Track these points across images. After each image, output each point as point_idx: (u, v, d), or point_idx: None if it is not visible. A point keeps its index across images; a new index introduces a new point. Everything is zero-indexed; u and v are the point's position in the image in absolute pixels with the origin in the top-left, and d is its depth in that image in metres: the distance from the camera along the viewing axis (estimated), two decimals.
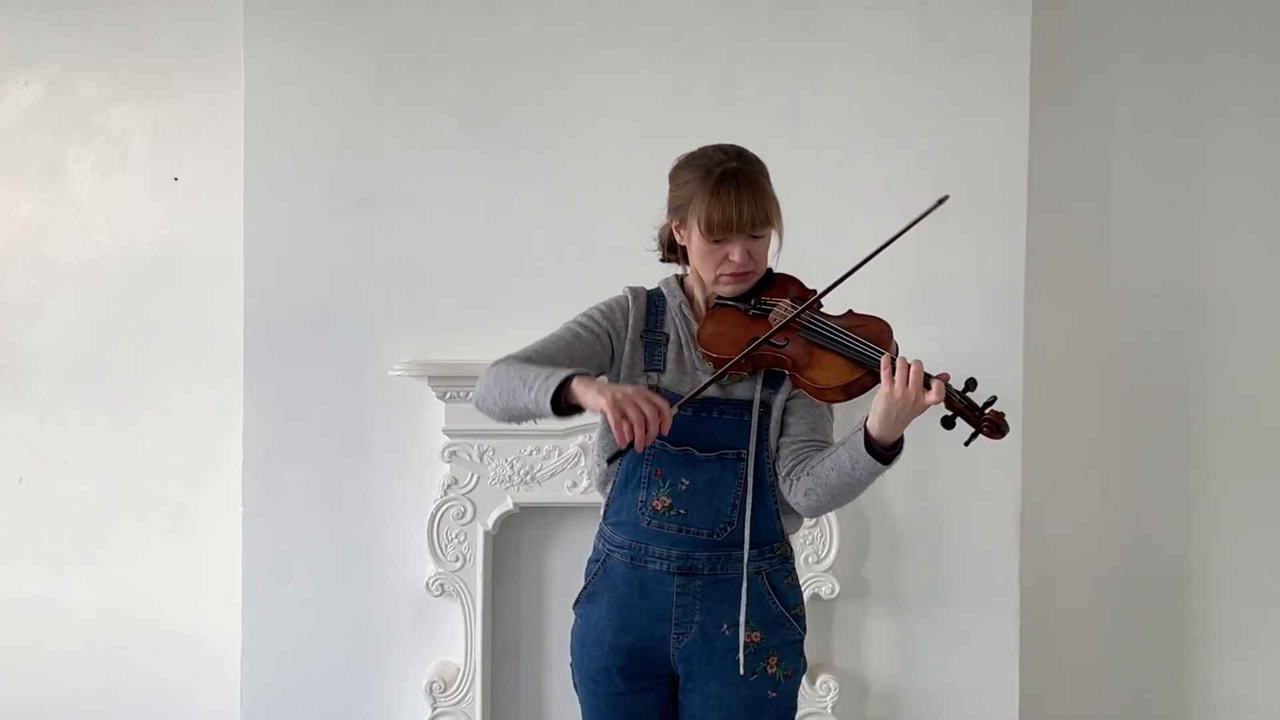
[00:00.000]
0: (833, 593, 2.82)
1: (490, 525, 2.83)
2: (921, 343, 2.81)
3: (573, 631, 1.92)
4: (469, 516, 2.83)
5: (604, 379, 1.79)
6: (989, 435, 1.64)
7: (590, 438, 2.76)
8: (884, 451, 1.66)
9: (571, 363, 1.75)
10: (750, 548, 1.79)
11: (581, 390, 1.60)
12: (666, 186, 1.85)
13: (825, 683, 2.82)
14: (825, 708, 2.82)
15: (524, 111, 2.87)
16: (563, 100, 2.87)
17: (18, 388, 3.17)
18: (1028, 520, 2.92)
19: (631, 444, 1.56)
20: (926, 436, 2.86)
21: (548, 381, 1.61)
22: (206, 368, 3.10)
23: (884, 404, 1.62)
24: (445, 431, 2.82)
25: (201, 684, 3.13)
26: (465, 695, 2.84)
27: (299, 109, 2.87)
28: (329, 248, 2.88)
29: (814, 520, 2.81)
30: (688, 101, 2.85)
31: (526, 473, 2.81)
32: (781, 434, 1.82)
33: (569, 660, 1.94)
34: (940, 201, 1.72)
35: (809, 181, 2.86)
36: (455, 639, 2.88)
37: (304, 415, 2.89)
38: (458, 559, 2.83)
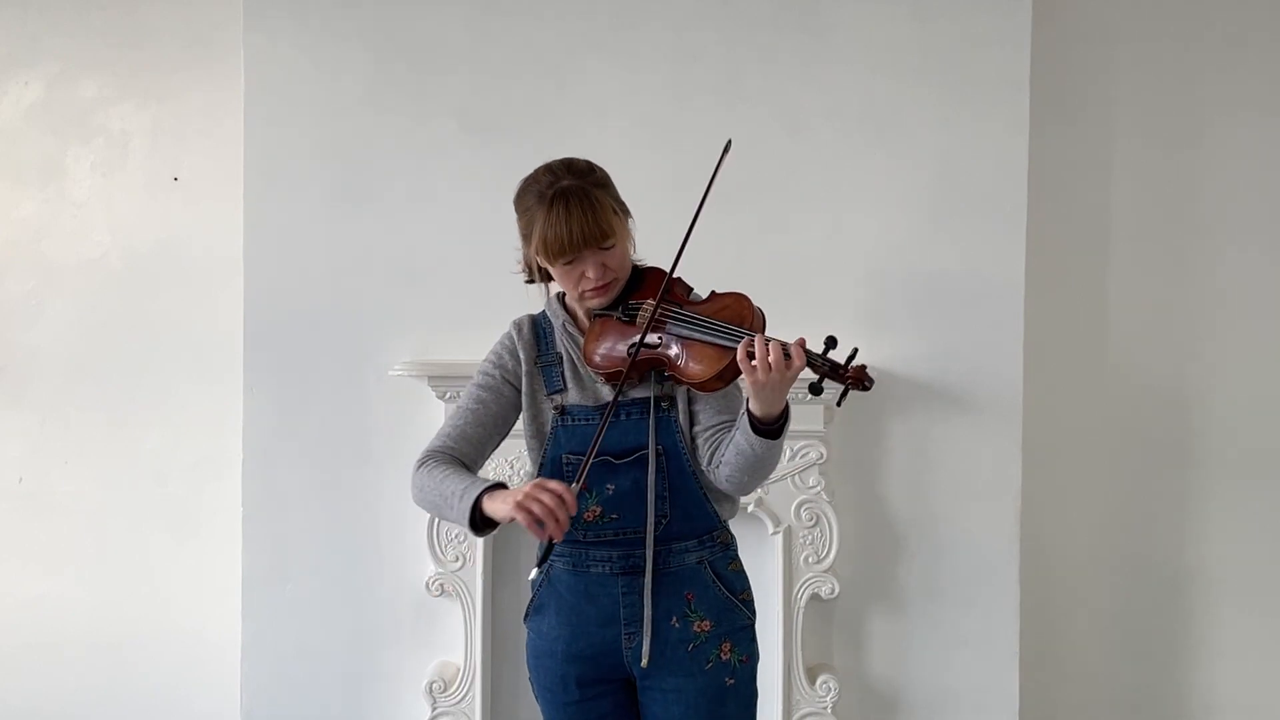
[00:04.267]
0: (833, 593, 2.82)
1: None
2: (921, 343, 2.84)
3: (526, 644, 1.93)
4: None
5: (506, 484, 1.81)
6: (855, 388, 1.64)
7: None
8: (771, 425, 1.69)
9: (485, 432, 1.83)
10: (689, 538, 1.83)
11: (491, 507, 1.65)
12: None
13: (825, 683, 2.82)
14: (825, 708, 2.82)
15: (524, 111, 2.87)
16: (562, 100, 2.87)
17: (18, 388, 3.17)
18: (1028, 520, 2.92)
19: (551, 539, 1.61)
20: (926, 437, 2.88)
21: (461, 504, 1.68)
22: (206, 368, 3.10)
23: (752, 387, 1.65)
24: None
25: (201, 684, 3.13)
26: (465, 695, 2.84)
27: (299, 109, 2.87)
28: (329, 248, 2.88)
29: (813, 520, 2.81)
30: (687, 102, 2.86)
31: (526, 472, 2.81)
32: (694, 423, 1.83)
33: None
34: (726, 149, 1.79)
35: (808, 181, 2.86)
36: (455, 639, 2.88)
37: (304, 415, 2.89)
38: (458, 559, 2.83)
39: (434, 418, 2.83)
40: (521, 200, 1.82)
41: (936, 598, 2.90)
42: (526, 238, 1.81)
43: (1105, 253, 3.14)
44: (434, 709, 2.84)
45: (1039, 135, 2.90)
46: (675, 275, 1.79)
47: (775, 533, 2.81)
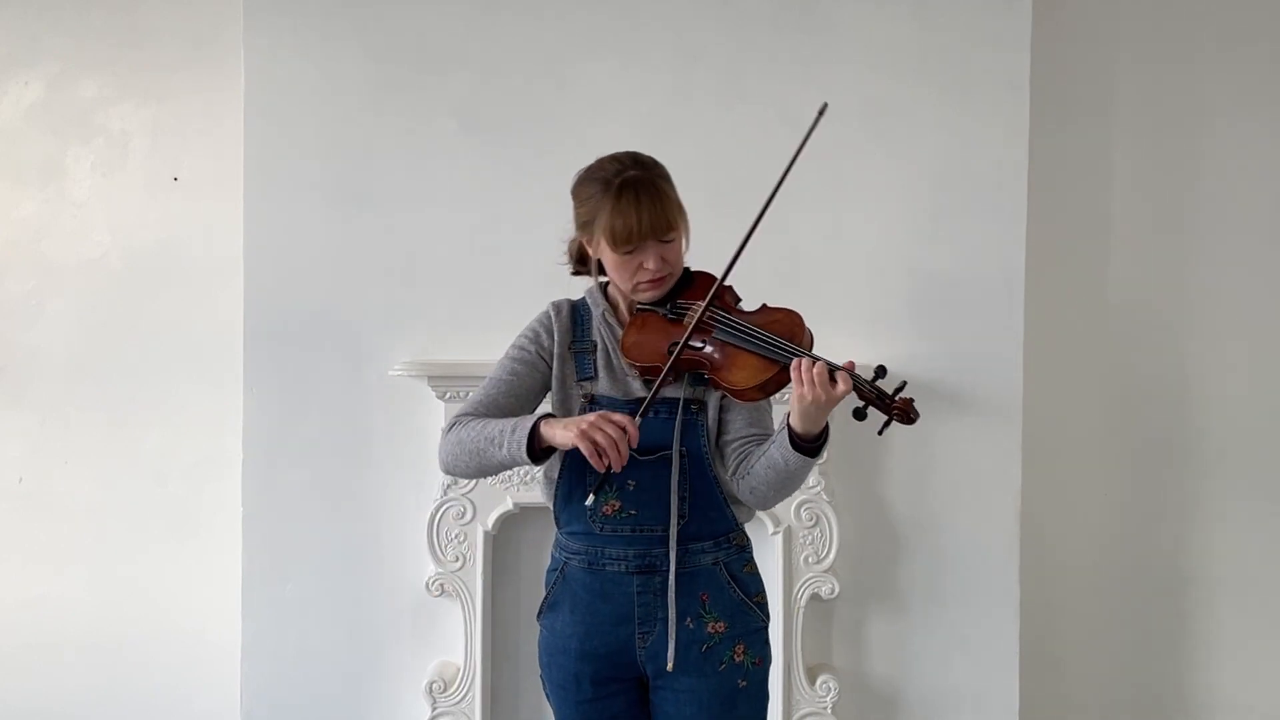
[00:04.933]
0: (833, 593, 2.82)
1: (490, 525, 2.83)
2: (921, 343, 2.84)
3: (539, 641, 1.93)
4: (469, 516, 2.83)
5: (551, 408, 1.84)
6: (900, 421, 1.66)
7: None
8: (810, 444, 1.70)
9: (518, 403, 1.83)
10: (705, 539, 1.82)
11: (549, 433, 1.68)
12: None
13: (825, 683, 2.82)
14: (825, 708, 2.82)
15: (524, 111, 2.87)
16: (562, 100, 2.87)
17: (18, 388, 3.17)
18: (1028, 520, 2.92)
19: (609, 469, 1.64)
20: (926, 437, 2.88)
21: (516, 435, 1.70)
22: (206, 368, 3.10)
23: (798, 405, 1.66)
24: None
25: (201, 684, 3.13)
26: (465, 695, 2.84)
27: (299, 109, 2.87)
28: (329, 248, 2.88)
29: (813, 520, 2.81)
30: (687, 101, 2.86)
31: (526, 472, 2.81)
32: (723, 432, 1.84)
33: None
34: (821, 112, 1.81)
35: (808, 181, 2.85)
36: (455, 639, 2.88)
37: (304, 415, 2.89)
38: (458, 559, 2.83)
39: (434, 418, 2.83)
40: (583, 188, 1.81)
41: (936, 598, 2.90)
42: (585, 225, 1.81)
43: (1105, 253, 3.14)
44: (434, 709, 2.84)
45: (1039, 135, 2.89)
46: (727, 283, 1.79)
47: (775, 533, 2.81)
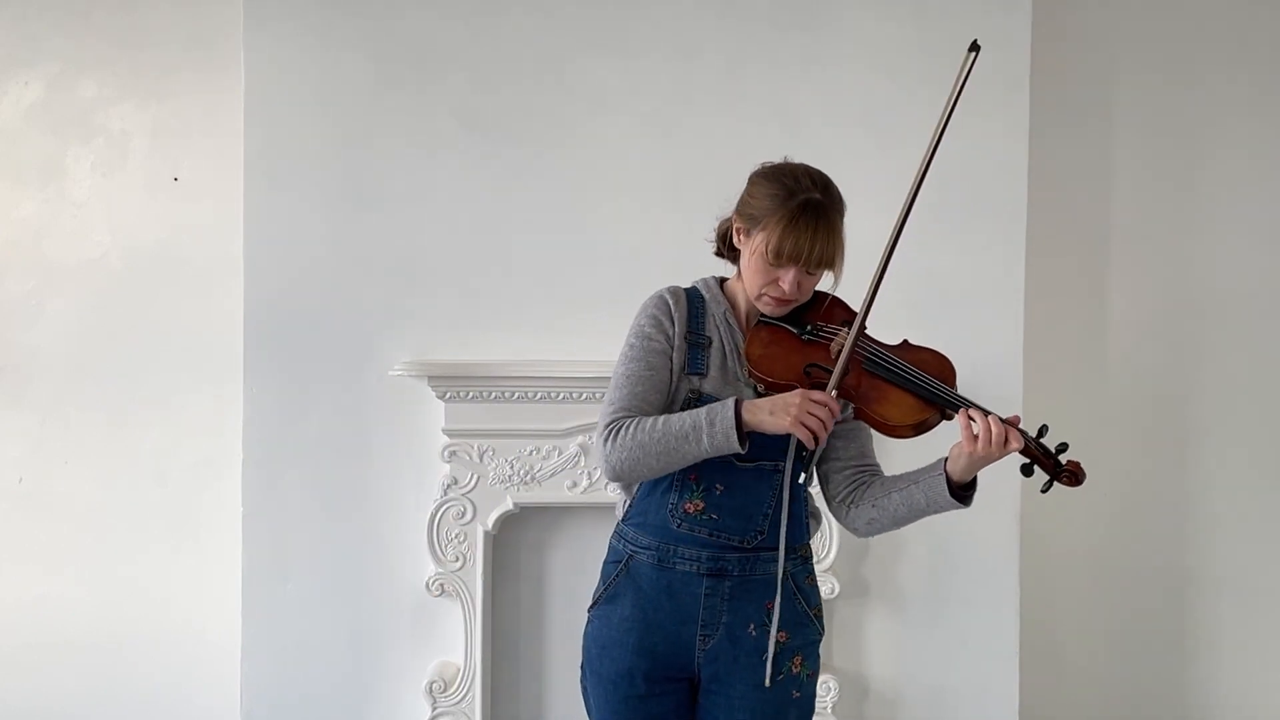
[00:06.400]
0: (833, 593, 2.82)
1: (490, 525, 2.84)
2: (921, 343, 2.83)
3: (587, 633, 1.89)
4: (469, 516, 2.83)
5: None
6: (1067, 484, 1.65)
7: (590, 437, 2.76)
8: (962, 492, 1.71)
9: (663, 399, 1.78)
10: (776, 548, 1.80)
11: (756, 420, 1.67)
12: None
13: (825, 683, 2.82)
14: (825, 708, 2.82)
15: (524, 111, 2.87)
16: (563, 100, 2.87)
17: (18, 388, 3.17)
18: (1028, 520, 2.92)
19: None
20: (926, 437, 2.87)
21: (719, 426, 1.67)
22: (206, 368, 3.10)
23: (965, 456, 1.67)
24: (445, 431, 2.82)
25: (201, 684, 3.13)
26: (465, 695, 2.84)
27: (299, 109, 2.87)
28: (329, 248, 2.88)
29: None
30: (688, 102, 2.86)
31: (526, 473, 2.81)
32: (832, 458, 1.84)
33: (579, 661, 1.91)
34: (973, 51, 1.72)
35: None
36: (455, 639, 2.88)
37: (304, 415, 2.89)
38: (458, 559, 2.83)
39: (434, 418, 2.83)
40: (765, 184, 1.78)
41: (936, 598, 2.90)
42: (749, 218, 1.77)
43: (1105, 253, 3.14)
44: (434, 709, 2.84)
45: (1039, 136, 2.90)
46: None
47: None
